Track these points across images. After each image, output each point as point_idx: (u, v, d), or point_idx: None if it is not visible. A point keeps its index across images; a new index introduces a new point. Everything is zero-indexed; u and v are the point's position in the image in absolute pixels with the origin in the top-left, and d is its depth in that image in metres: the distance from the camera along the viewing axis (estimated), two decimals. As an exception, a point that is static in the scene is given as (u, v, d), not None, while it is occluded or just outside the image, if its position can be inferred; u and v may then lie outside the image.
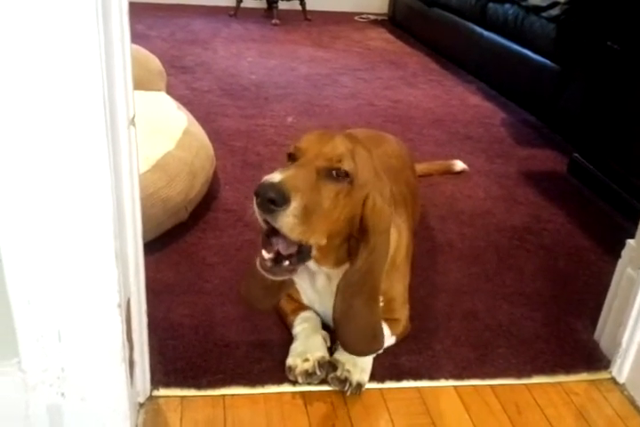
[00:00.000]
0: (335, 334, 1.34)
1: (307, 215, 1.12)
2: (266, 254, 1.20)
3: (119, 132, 1.00)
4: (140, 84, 2.25)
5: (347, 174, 1.20)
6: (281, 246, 1.19)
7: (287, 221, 1.10)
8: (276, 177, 1.10)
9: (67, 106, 0.88)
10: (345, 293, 1.26)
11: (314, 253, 1.24)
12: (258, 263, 1.21)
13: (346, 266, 1.30)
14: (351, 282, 1.25)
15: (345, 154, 1.21)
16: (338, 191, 1.19)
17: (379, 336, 1.31)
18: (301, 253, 1.22)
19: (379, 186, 1.28)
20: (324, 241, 1.21)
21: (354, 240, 1.27)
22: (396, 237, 1.41)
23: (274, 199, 1.08)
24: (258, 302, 1.40)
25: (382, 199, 1.26)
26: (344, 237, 1.27)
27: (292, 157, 1.24)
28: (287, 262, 1.21)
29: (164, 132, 1.98)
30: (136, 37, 3.52)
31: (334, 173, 1.19)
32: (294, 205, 1.09)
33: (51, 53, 0.85)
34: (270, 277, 1.22)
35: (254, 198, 1.11)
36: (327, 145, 1.21)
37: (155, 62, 2.50)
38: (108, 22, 0.92)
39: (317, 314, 1.49)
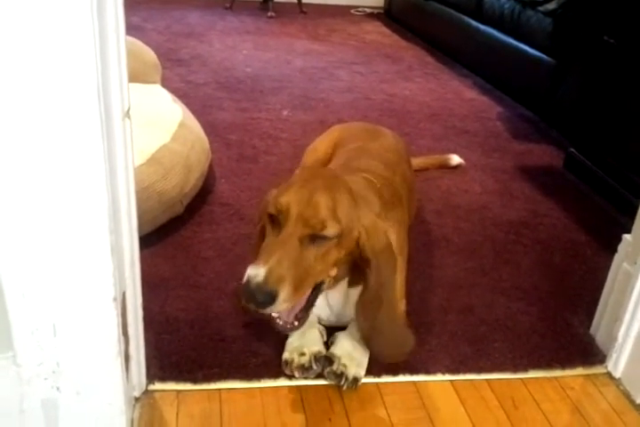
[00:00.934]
0: (368, 348, 1.37)
1: (299, 287, 1.16)
2: (278, 319, 1.25)
3: (114, 124, 0.99)
4: (135, 76, 2.23)
5: (333, 236, 1.20)
6: (285, 316, 1.24)
7: (280, 308, 1.16)
8: (259, 273, 1.12)
9: (61, 98, 0.87)
10: (365, 312, 1.29)
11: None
12: (273, 325, 1.26)
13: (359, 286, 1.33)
14: (368, 301, 1.28)
15: (327, 217, 1.18)
16: (325, 251, 1.20)
17: (407, 340, 1.37)
18: (309, 302, 1.27)
19: (368, 214, 1.28)
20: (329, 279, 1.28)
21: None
22: (392, 238, 1.40)
23: (262, 302, 1.12)
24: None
25: (373, 220, 1.28)
26: (348, 266, 1.30)
27: (273, 219, 1.22)
28: (297, 322, 1.26)
29: (160, 125, 1.97)
30: (131, 30, 3.49)
31: (319, 237, 1.19)
32: (283, 296, 1.13)
33: (45, 45, 0.84)
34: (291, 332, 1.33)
35: (242, 296, 1.14)
36: (308, 208, 1.18)
37: (150, 55, 2.48)
38: (103, 13, 0.91)
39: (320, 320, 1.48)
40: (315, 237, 1.19)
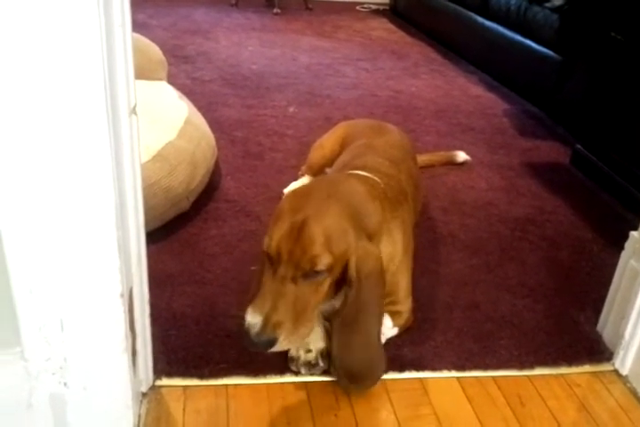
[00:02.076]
0: (337, 368, 1.32)
1: (299, 323, 1.20)
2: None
3: (121, 120, 0.99)
4: (141, 73, 2.23)
5: (326, 268, 1.20)
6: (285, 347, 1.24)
7: (281, 347, 1.20)
8: (256, 323, 1.16)
9: (68, 94, 0.87)
10: (341, 332, 1.27)
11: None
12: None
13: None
14: (346, 322, 1.26)
15: (317, 252, 1.17)
16: (319, 284, 1.22)
17: (377, 370, 1.31)
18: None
19: (361, 238, 1.25)
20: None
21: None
22: (390, 250, 1.39)
23: (263, 347, 1.18)
24: None
25: (365, 245, 1.24)
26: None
27: (269, 257, 1.23)
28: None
29: (166, 121, 1.97)
30: (137, 27, 3.50)
31: (312, 273, 1.20)
32: (281, 339, 1.18)
33: (51, 41, 0.84)
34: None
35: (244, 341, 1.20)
36: (297, 246, 1.17)
37: (156, 52, 2.48)
38: (109, 9, 0.91)
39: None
40: (309, 274, 1.20)
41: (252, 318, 1.17)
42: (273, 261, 1.22)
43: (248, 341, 1.18)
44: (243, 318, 1.20)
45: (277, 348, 1.19)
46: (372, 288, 1.25)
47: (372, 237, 1.30)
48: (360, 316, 1.25)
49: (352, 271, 1.22)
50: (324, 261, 1.18)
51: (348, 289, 1.24)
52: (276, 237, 1.20)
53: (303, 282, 1.20)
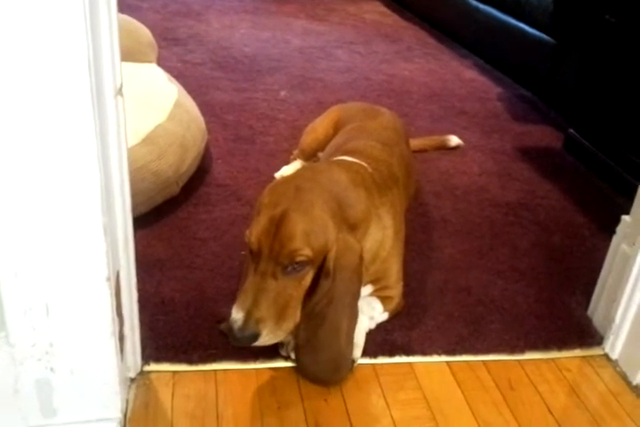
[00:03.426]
0: (296, 360, 1.31)
1: (282, 317, 1.20)
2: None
3: (106, 101, 0.98)
4: (131, 55, 2.21)
5: (305, 262, 1.20)
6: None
7: (264, 342, 1.21)
8: (238, 318, 1.18)
9: (50, 74, 0.85)
10: (308, 322, 1.25)
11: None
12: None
13: None
14: (313, 314, 1.24)
15: (296, 246, 1.17)
16: (301, 278, 1.22)
17: (340, 369, 1.29)
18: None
19: (342, 230, 1.24)
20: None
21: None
22: (380, 236, 1.39)
23: (247, 341, 1.19)
24: None
25: (346, 238, 1.23)
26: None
27: (251, 253, 1.23)
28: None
29: (155, 104, 1.94)
30: (127, 9, 3.45)
31: (293, 267, 1.19)
32: (264, 334, 1.19)
33: (33, 19, 0.82)
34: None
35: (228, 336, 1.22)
36: (275, 241, 1.18)
37: (146, 34, 2.45)
38: (94, -13, 0.89)
39: None
40: (290, 268, 1.20)
41: (235, 314, 1.18)
42: (254, 255, 1.21)
43: (231, 336, 1.19)
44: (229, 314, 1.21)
45: (261, 342, 1.20)
46: (347, 283, 1.24)
47: (355, 226, 1.29)
48: (330, 310, 1.23)
49: (329, 263, 1.22)
50: (302, 256, 1.18)
51: (323, 280, 1.23)
52: (255, 231, 1.20)
53: (284, 277, 1.20)
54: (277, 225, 1.18)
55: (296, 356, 1.31)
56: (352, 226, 1.28)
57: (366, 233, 1.35)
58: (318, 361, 1.27)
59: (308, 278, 1.23)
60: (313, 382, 1.30)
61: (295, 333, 1.28)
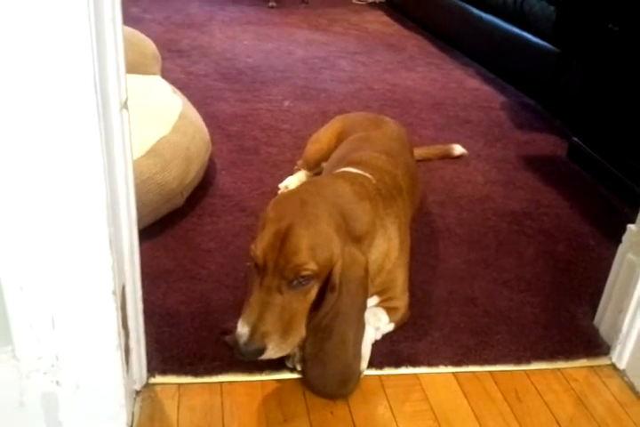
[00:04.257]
0: (303, 373, 1.31)
1: (287, 331, 1.20)
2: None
3: (111, 115, 0.98)
4: (135, 67, 2.22)
5: (310, 277, 1.19)
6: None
7: (270, 356, 1.21)
8: (244, 333, 1.18)
9: (57, 88, 0.86)
10: (315, 337, 1.25)
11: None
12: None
13: None
14: (320, 327, 1.24)
15: (301, 261, 1.17)
16: (306, 292, 1.21)
17: (348, 382, 1.28)
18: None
19: (347, 243, 1.24)
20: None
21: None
22: (385, 247, 1.38)
23: (253, 355, 1.19)
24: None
25: (352, 252, 1.23)
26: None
27: (256, 267, 1.23)
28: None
29: (160, 116, 1.95)
30: (131, 21, 3.47)
31: (298, 281, 1.19)
32: (270, 348, 1.19)
33: (40, 34, 0.82)
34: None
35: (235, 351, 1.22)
36: (281, 256, 1.18)
37: (149, 46, 2.46)
38: (99, 3, 0.89)
39: None
40: (295, 282, 1.19)
41: (241, 329, 1.19)
42: (259, 269, 1.21)
43: (237, 350, 1.19)
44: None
45: (266, 356, 1.20)
46: (354, 296, 1.23)
47: (360, 239, 1.29)
48: (336, 323, 1.23)
49: (335, 276, 1.21)
50: (308, 270, 1.18)
51: (329, 294, 1.22)
52: (260, 246, 1.20)
53: (289, 291, 1.20)
54: (282, 239, 1.18)
55: (303, 370, 1.30)
56: (357, 238, 1.28)
57: (372, 245, 1.35)
58: (326, 375, 1.26)
59: (313, 292, 1.23)
60: (320, 396, 1.30)
61: (302, 346, 1.28)
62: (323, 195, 1.29)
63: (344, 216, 1.26)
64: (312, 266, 1.18)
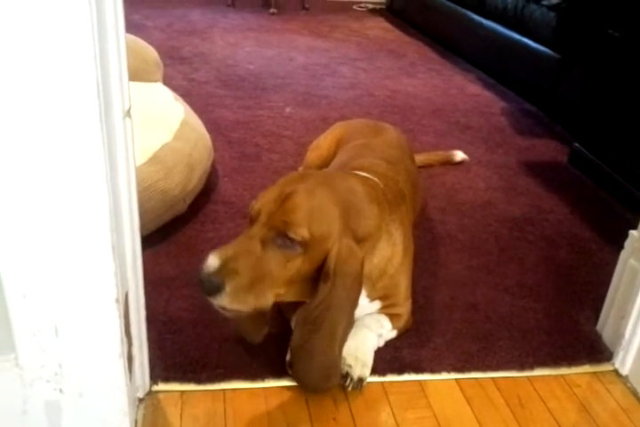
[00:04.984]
0: (292, 365, 1.30)
1: (251, 289, 1.15)
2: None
3: (114, 124, 0.98)
4: (137, 75, 2.22)
5: (298, 242, 1.17)
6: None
7: (225, 302, 1.15)
8: (213, 264, 1.14)
9: (60, 97, 0.86)
10: (303, 328, 1.23)
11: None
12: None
13: None
14: (310, 318, 1.22)
15: (296, 220, 1.16)
16: (288, 258, 1.18)
17: (332, 377, 1.27)
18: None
19: (350, 228, 1.23)
20: (280, 298, 1.23)
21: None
22: (389, 253, 1.38)
23: (208, 290, 1.14)
24: (250, 335, 1.38)
25: (351, 244, 1.21)
26: (311, 279, 1.24)
27: (250, 220, 1.22)
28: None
29: (161, 123, 1.96)
30: (133, 28, 3.48)
31: (284, 240, 1.17)
32: (228, 290, 1.13)
33: (43, 43, 0.83)
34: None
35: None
36: (278, 208, 1.17)
37: (151, 53, 2.47)
38: (102, 10, 0.90)
39: None
40: (280, 241, 1.17)
41: (211, 260, 1.15)
42: (251, 221, 1.20)
43: (199, 280, 1.16)
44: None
45: (222, 301, 1.15)
46: (348, 290, 1.21)
47: (362, 239, 1.28)
48: (327, 316, 1.21)
49: (330, 264, 1.19)
50: (297, 233, 1.16)
51: (322, 284, 1.20)
52: (262, 200, 1.19)
53: (271, 247, 1.17)
54: (285, 198, 1.18)
55: (291, 359, 1.30)
56: (359, 238, 1.27)
57: (374, 248, 1.34)
58: (311, 368, 1.25)
59: (295, 263, 1.19)
60: (303, 389, 1.30)
61: (292, 338, 1.27)
62: (336, 185, 1.27)
63: (351, 212, 1.25)
64: (303, 231, 1.16)
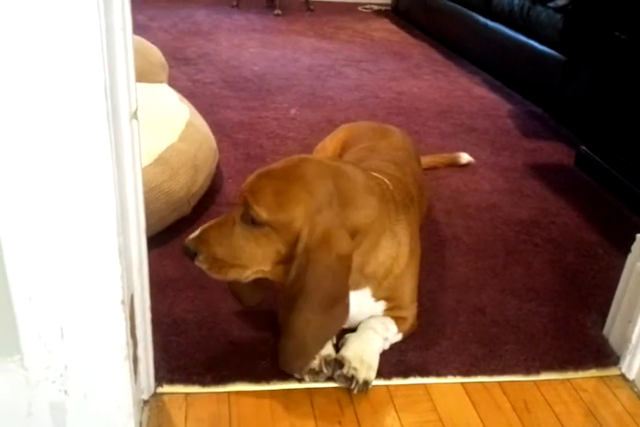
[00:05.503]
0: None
1: (221, 260, 1.27)
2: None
3: (121, 125, 0.98)
4: (142, 76, 2.22)
5: (261, 221, 1.22)
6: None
7: (200, 267, 1.29)
8: (193, 234, 1.29)
9: (68, 99, 0.86)
10: (285, 307, 1.26)
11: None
12: None
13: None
14: (288, 297, 1.24)
15: (254, 200, 1.22)
16: (257, 236, 1.24)
17: (304, 357, 1.30)
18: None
19: (327, 216, 1.22)
20: (258, 274, 1.30)
21: None
22: (394, 252, 1.37)
23: (187, 254, 1.29)
24: (244, 298, 1.42)
25: (334, 231, 1.22)
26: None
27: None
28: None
29: (167, 124, 1.95)
30: (137, 29, 3.48)
31: (251, 218, 1.23)
32: (200, 258, 1.28)
33: (51, 45, 0.83)
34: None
35: None
36: (251, 188, 1.24)
37: (156, 54, 2.47)
38: (110, 12, 0.89)
39: None
40: (250, 218, 1.23)
41: (196, 231, 1.30)
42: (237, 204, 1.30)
43: (182, 246, 1.31)
44: None
45: (199, 264, 1.28)
46: (320, 279, 1.20)
47: (356, 232, 1.26)
48: (299, 301, 1.21)
49: (299, 246, 1.21)
50: (257, 211, 1.21)
51: (291, 264, 1.23)
52: (246, 181, 1.28)
53: (242, 225, 1.25)
54: (265, 178, 1.25)
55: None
56: (351, 229, 1.25)
57: (377, 245, 1.33)
58: (287, 344, 1.27)
59: (268, 242, 1.24)
60: (280, 364, 1.31)
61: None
62: (330, 171, 1.27)
63: (340, 199, 1.24)
64: (261, 211, 1.21)
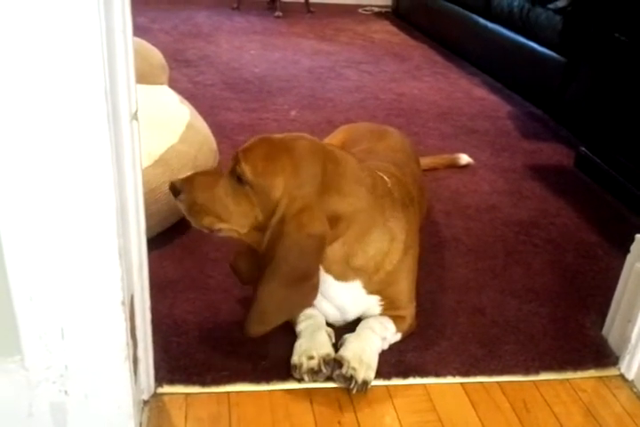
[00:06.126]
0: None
1: (199, 205, 1.32)
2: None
3: (122, 126, 0.99)
4: (142, 77, 2.23)
5: (245, 179, 1.26)
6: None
7: (179, 207, 1.37)
8: (186, 175, 1.37)
9: (68, 100, 0.87)
10: (259, 273, 1.29)
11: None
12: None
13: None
14: (263, 262, 1.27)
15: (243, 157, 1.26)
16: (237, 192, 1.29)
17: (263, 324, 1.31)
18: None
19: (308, 194, 1.24)
20: (232, 233, 1.35)
21: None
22: (385, 247, 1.37)
23: (171, 190, 1.36)
24: (241, 275, 1.45)
25: (312, 212, 1.23)
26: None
27: None
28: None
29: (167, 126, 1.96)
30: (138, 30, 3.49)
31: (237, 174, 1.28)
32: (182, 197, 1.34)
33: (52, 47, 0.83)
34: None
35: None
36: (244, 150, 1.29)
37: (157, 56, 2.48)
38: (110, 14, 0.90)
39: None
40: (237, 176, 1.27)
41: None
42: None
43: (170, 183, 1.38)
44: None
45: (179, 204, 1.35)
46: (286, 252, 1.22)
47: (337, 219, 1.27)
48: (267, 270, 1.25)
49: (277, 215, 1.24)
50: (242, 166, 1.25)
51: (264, 231, 1.27)
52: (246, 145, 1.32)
53: (229, 180, 1.30)
54: (261, 145, 1.29)
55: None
56: (332, 213, 1.26)
57: (365, 237, 1.33)
58: (252, 309, 1.29)
59: (244, 203, 1.29)
60: (243, 329, 1.32)
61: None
62: (323, 155, 1.29)
63: (324, 183, 1.26)
64: (247, 170, 1.25)
